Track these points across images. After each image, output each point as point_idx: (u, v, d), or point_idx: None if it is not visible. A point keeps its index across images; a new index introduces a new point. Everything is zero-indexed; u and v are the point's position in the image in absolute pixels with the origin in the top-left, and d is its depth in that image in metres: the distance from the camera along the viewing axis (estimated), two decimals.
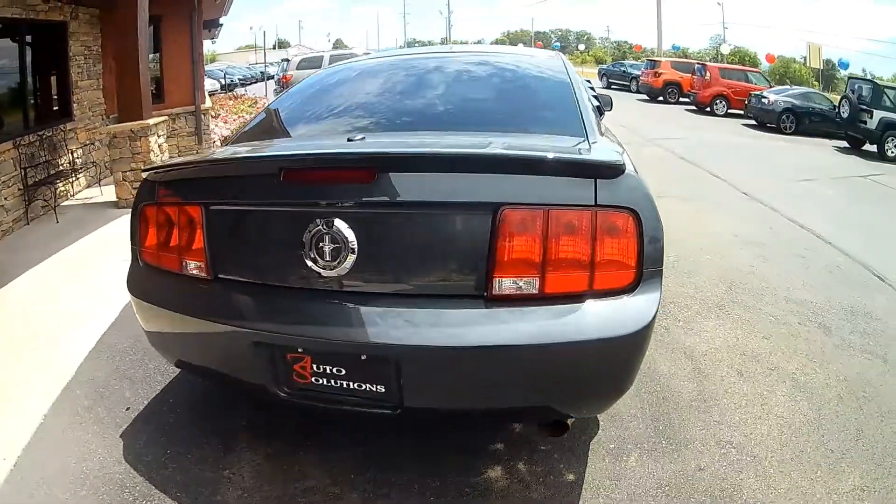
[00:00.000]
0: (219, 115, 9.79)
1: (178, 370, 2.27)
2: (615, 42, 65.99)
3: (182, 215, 1.77)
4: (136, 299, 1.90)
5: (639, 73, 22.20)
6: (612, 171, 1.50)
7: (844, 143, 11.99)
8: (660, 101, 19.45)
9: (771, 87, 16.49)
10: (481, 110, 2.20)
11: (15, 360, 2.69)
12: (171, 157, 5.56)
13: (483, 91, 2.38)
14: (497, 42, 64.53)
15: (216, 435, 2.12)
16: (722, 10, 50.66)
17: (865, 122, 11.11)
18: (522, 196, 1.49)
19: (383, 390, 1.57)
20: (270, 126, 2.50)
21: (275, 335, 1.59)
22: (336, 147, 1.83)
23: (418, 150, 1.69)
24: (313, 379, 1.61)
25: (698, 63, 19.23)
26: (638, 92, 21.68)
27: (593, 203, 1.48)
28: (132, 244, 1.95)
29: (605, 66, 28.27)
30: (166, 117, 6.37)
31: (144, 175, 1.89)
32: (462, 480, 1.90)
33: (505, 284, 1.50)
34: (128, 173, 5.53)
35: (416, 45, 62.59)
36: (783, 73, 42.22)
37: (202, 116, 8.00)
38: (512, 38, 67.77)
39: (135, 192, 5.44)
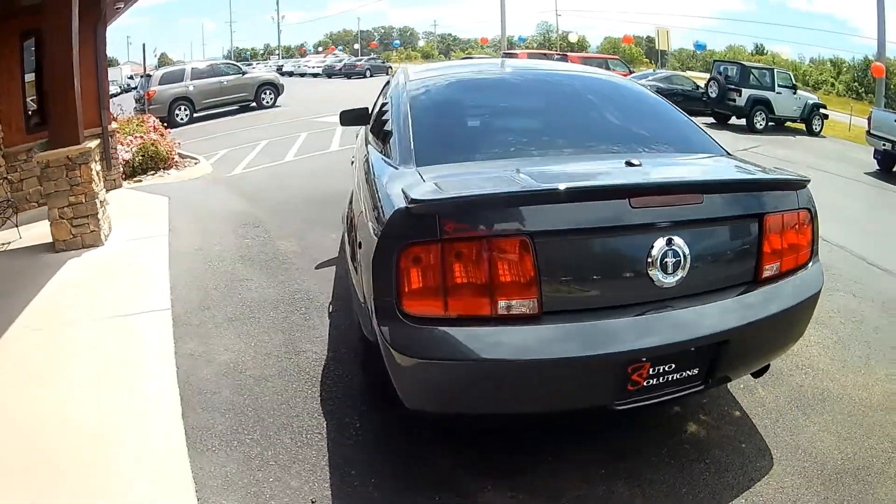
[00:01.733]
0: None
1: None
2: (439, 36, 67.42)
3: (495, 250, 1.59)
4: (425, 361, 1.59)
5: None
6: (804, 184, 2.02)
7: (711, 120, 13.70)
8: None
9: (632, 72, 18.16)
10: (629, 130, 2.48)
11: None
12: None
13: (608, 109, 2.60)
14: (320, 43, 64.08)
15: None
16: None
17: (734, 101, 12.85)
18: (772, 206, 1.94)
19: (696, 372, 1.83)
20: (456, 148, 2.20)
21: (621, 353, 1.66)
22: (642, 173, 1.93)
23: (725, 178, 2.07)
24: (645, 382, 1.75)
25: (558, 53, 20.44)
26: None
27: (797, 206, 2.00)
28: (380, 296, 1.64)
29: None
30: (99, 140, 5.36)
31: (409, 207, 1.58)
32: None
33: (766, 270, 1.94)
34: (66, 209, 4.55)
35: (243, 53, 59.57)
36: (612, 53, 47.13)
37: (110, 139, 6.85)
38: (335, 39, 66.98)
39: (77, 230, 4.68)
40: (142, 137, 7.68)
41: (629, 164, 1.94)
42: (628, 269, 1.73)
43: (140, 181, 7.07)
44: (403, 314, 1.61)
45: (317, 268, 3.97)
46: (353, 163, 3.33)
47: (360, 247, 1.98)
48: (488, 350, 1.57)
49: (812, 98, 14.29)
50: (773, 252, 1.93)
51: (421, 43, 60.88)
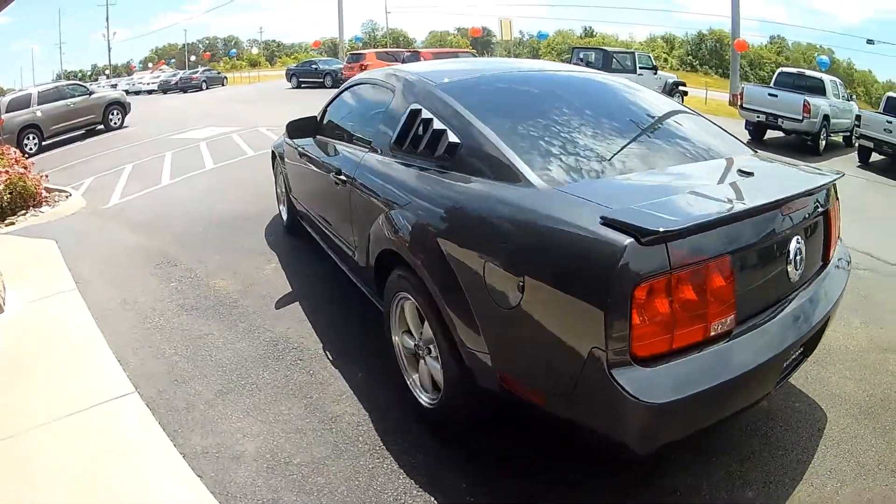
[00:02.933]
0: None
1: None
2: (263, 42, 66.12)
3: (711, 273, 1.55)
4: (672, 400, 1.45)
5: (332, 68, 23.54)
6: (840, 177, 2.21)
7: None
8: None
9: None
10: (681, 134, 2.36)
11: None
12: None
13: (652, 114, 2.48)
14: (147, 60, 60.55)
15: None
16: None
17: None
18: (831, 198, 2.18)
19: (801, 349, 1.96)
20: (567, 162, 1.95)
21: (790, 346, 1.78)
22: (768, 181, 2.03)
23: (823, 181, 2.06)
24: (786, 365, 1.86)
25: (409, 51, 20.61)
26: (336, 86, 22.60)
27: (836, 197, 2.26)
28: (607, 344, 1.45)
29: (293, 67, 27.50)
30: None
31: (643, 240, 1.43)
32: None
33: (831, 252, 2.22)
34: None
35: (73, 75, 53.40)
36: (439, 44, 48.53)
37: None
38: (161, 54, 62.89)
39: None
40: (7, 172, 6.04)
41: (742, 172, 2.00)
42: (777, 269, 1.85)
43: (13, 223, 5.56)
44: (635, 358, 1.46)
45: (277, 307, 3.41)
46: (342, 183, 2.83)
47: (522, 291, 1.62)
48: (726, 371, 1.57)
49: (671, 77, 15.65)
50: (833, 236, 2.21)
51: (255, 50, 57.75)
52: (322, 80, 23.62)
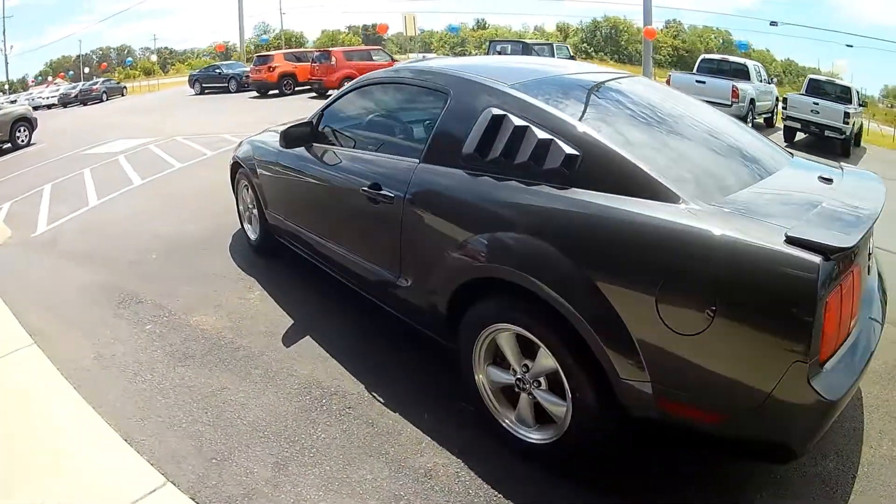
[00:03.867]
0: None
1: None
2: (156, 49, 62.00)
3: (854, 278, 1.68)
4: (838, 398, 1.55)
5: (236, 72, 22.87)
6: None
7: None
8: (275, 95, 19.28)
9: (396, 61, 18.21)
10: (744, 141, 2.36)
11: None
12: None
13: (714, 119, 2.49)
14: (41, 73, 56.70)
15: None
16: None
17: None
18: None
19: None
20: (688, 175, 1.87)
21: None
22: (848, 186, 2.06)
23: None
24: None
25: (319, 50, 19.65)
26: (241, 91, 21.83)
27: None
28: (811, 355, 1.48)
29: (196, 72, 25.81)
30: None
31: (830, 256, 1.48)
32: None
33: None
34: None
35: None
36: (331, 43, 47.04)
37: None
38: (55, 67, 57.16)
39: None
40: None
41: (824, 179, 2.07)
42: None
43: None
44: (821, 363, 1.54)
45: (287, 344, 2.92)
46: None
47: (712, 317, 1.53)
48: (859, 363, 1.71)
49: None
50: None
51: (154, 58, 54.24)
52: (227, 84, 22.72)
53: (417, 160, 2.34)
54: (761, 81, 12.64)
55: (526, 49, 14.06)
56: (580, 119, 2.02)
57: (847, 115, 10.93)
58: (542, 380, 1.95)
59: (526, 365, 1.98)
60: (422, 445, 2.19)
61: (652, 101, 2.39)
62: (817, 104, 11.18)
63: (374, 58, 18.02)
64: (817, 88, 11.78)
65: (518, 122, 2.04)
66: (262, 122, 8.68)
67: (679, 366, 1.60)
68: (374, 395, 2.51)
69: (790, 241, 1.49)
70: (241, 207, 4.24)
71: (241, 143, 4.19)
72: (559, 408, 1.90)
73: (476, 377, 2.17)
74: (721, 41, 46.78)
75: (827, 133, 11.18)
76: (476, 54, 29.92)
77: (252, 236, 4.10)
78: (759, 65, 13.42)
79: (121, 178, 7.33)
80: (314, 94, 17.53)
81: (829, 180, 2.06)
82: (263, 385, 2.59)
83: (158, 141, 10.28)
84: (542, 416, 2.00)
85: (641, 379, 1.65)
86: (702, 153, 2.07)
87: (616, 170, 1.80)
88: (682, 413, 1.65)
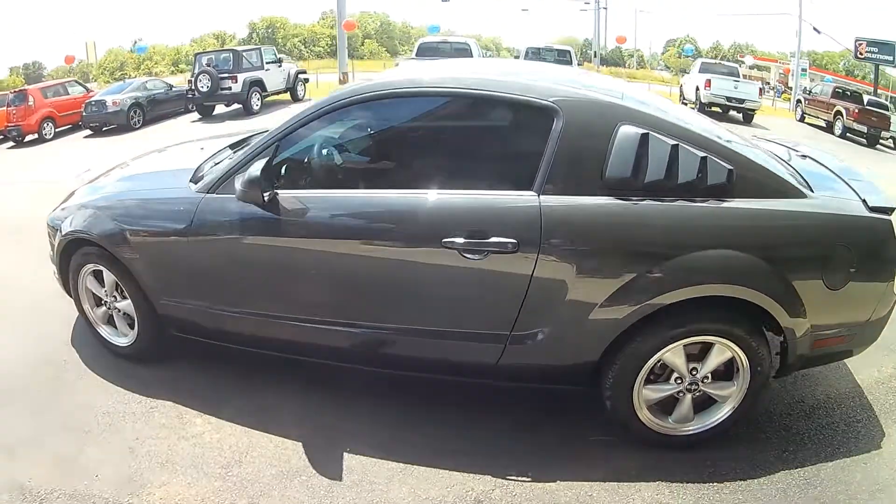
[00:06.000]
0: None
1: None
2: None
3: None
4: None
5: None
6: None
7: (196, 116, 13.03)
8: None
9: (91, 91, 14.81)
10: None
11: None
12: None
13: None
14: None
15: None
16: None
17: (230, 88, 12.43)
18: None
19: None
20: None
21: None
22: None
23: None
24: None
25: (13, 91, 14.56)
26: None
27: None
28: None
29: None
30: None
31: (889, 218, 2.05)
32: None
33: None
34: None
35: None
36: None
37: None
38: None
39: None
40: None
41: (802, 155, 2.59)
42: None
43: None
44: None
45: None
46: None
47: (853, 271, 2.00)
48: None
49: (293, 67, 15.43)
50: None
51: None
52: None
53: (533, 192, 1.96)
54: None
55: (236, 56, 12.75)
56: (703, 132, 2.10)
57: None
58: (709, 375, 2.06)
59: (695, 368, 2.05)
60: None
61: (671, 107, 2.54)
62: None
63: (69, 91, 14.49)
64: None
65: (669, 141, 1.96)
66: None
67: (829, 311, 2.04)
68: None
69: (872, 209, 2.04)
70: (87, 305, 2.71)
71: (64, 209, 2.71)
72: (727, 390, 2.09)
73: (635, 400, 2.07)
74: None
75: None
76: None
77: (122, 340, 2.69)
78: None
79: None
80: (12, 145, 13.14)
81: (806, 156, 2.57)
82: None
83: None
84: (699, 408, 2.13)
85: (807, 330, 2.02)
86: (764, 155, 2.26)
87: (760, 178, 2.03)
88: (827, 345, 2.11)
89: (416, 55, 12.88)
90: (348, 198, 2.21)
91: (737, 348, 1.99)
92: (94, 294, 2.67)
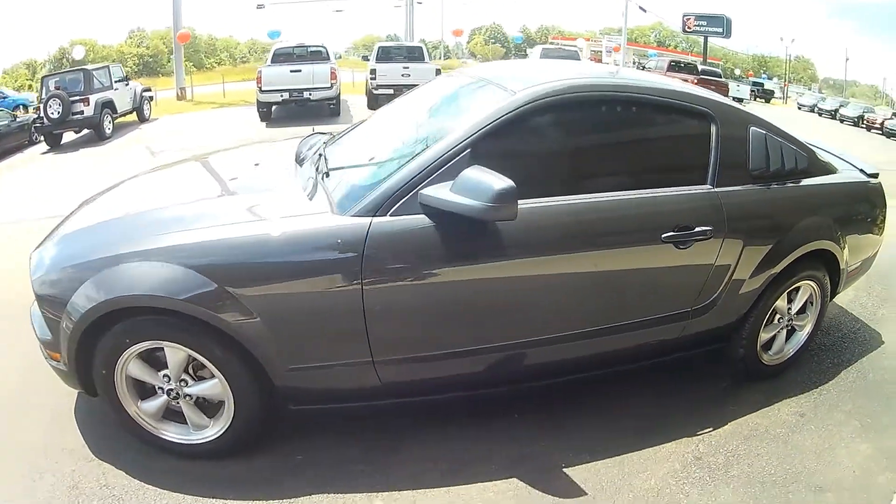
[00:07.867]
0: None
1: None
2: None
3: None
4: None
5: None
6: None
7: (45, 147, 10.72)
8: None
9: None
10: None
11: None
12: None
13: None
14: None
15: None
16: None
17: (83, 112, 10.45)
18: None
19: None
20: None
21: None
22: None
23: None
24: None
25: None
26: None
27: None
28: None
29: None
30: None
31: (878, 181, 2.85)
32: None
33: None
34: None
35: None
36: None
37: None
38: None
39: None
40: None
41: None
42: None
43: None
44: None
45: None
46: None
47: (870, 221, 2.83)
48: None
49: (139, 85, 13.36)
50: None
51: None
52: None
53: (709, 186, 2.27)
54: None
55: (87, 76, 10.69)
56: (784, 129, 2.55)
57: None
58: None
59: (790, 308, 2.63)
60: None
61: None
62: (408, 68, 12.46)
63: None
64: None
65: (778, 138, 2.45)
66: None
67: (855, 252, 2.72)
68: None
69: (868, 175, 2.79)
70: (132, 410, 1.98)
71: (65, 269, 1.97)
72: (805, 320, 2.71)
73: (758, 343, 2.54)
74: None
75: None
76: None
77: (201, 435, 2.01)
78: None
79: None
80: None
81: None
82: None
83: None
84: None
85: (846, 266, 2.68)
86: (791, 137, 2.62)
87: (817, 161, 2.61)
88: (853, 275, 2.82)
89: (271, 62, 11.95)
90: (575, 205, 2.06)
91: (815, 287, 2.60)
92: (137, 383, 1.95)
